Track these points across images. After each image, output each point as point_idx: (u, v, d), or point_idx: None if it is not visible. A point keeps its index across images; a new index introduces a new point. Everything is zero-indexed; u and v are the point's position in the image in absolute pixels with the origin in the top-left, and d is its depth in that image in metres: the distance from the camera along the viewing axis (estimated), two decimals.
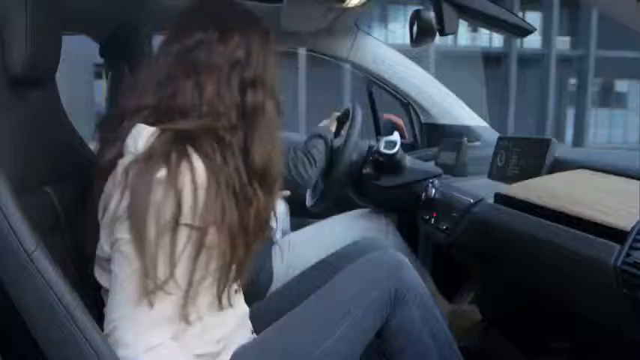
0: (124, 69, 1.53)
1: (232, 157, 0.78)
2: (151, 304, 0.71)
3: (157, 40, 1.85)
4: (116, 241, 0.72)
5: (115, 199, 0.74)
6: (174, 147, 0.72)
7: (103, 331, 0.72)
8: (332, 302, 0.90)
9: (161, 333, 0.73)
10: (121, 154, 0.76)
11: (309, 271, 1.08)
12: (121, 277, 0.71)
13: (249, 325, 0.95)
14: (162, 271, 0.71)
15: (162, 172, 0.70)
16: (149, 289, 0.70)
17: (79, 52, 2.03)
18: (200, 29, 0.82)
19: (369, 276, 0.92)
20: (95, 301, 0.82)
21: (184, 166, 0.71)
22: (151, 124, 0.76)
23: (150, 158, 0.71)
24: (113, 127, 0.80)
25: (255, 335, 0.93)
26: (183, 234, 0.71)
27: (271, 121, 0.83)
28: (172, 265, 0.71)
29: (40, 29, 0.80)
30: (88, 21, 1.62)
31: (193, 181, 0.71)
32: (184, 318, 0.76)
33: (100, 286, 0.83)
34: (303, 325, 0.89)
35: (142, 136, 0.75)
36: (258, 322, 0.94)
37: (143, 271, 0.70)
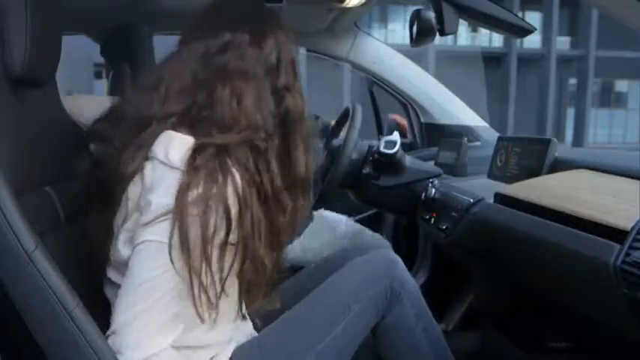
0: (125, 68, 1.53)
1: (267, 166, 0.75)
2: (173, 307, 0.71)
3: (158, 40, 1.86)
4: (144, 242, 0.70)
5: (147, 203, 0.71)
6: (217, 163, 0.70)
7: (107, 329, 0.72)
8: (331, 299, 0.91)
9: (170, 335, 0.72)
10: (146, 159, 0.73)
11: (308, 269, 1.08)
12: (143, 278, 0.70)
13: (249, 322, 0.95)
14: (204, 278, 0.70)
15: (211, 189, 0.68)
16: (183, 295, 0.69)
17: (79, 52, 2.03)
18: (227, 29, 0.76)
19: (367, 273, 0.95)
20: (95, 301, 0.82)
21: (229, 182, 0.69)
22: (182, 132, 0.73)
23: (196, 173, 0.68)
24: (130, 129, 0.76)
25: (254, 332, 0.94)
26: (229, 249, 0.71)
27: (308, 126, 0.81)
28: (212, 273, 0.70)
29: (41, 29, 0.80)
30: (88, 20, 1.63)
31: (237, 196, 0.70)
32: (200, 319, 0.74)
33: (101, 287, 0.83)
34: (303, 323, 0.90)
35: (174, 146, 0.71)
36: (258, 320, 0.95)
37: (183, 276, 0.69)
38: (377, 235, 1.44)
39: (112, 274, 0.80)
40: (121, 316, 0.71)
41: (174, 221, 0.68)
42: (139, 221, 0.72)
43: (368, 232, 1.69)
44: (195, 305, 0.71)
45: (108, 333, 0.71)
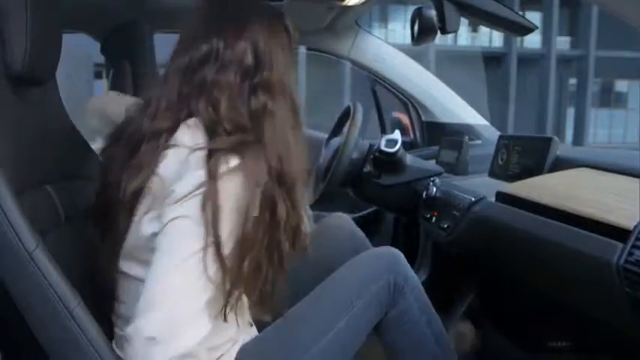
0: (126, 67, 1.53)
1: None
2: (208, 291, 0.69)
3: (158, 38, 1.85)
4: (177, 218, 0.69)
5: (176, 182, 0.72)
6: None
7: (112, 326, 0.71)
8: (334, 295, 0.92)
9: (201, 325, 0.70)
10: (146, 181, 0.74)
11: (310, 265, 1.08)
12: (179, 257, 0.68)
13: (251, 320, 0.95)
14: (230, 258, 0.70)
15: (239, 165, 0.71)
16: (210, 273, 0.69)
17: (79, 52, 2.03)
18: (205, 40, 0.79)
19: (369, 269, 0.95)
20: (95, 300, 0.81)
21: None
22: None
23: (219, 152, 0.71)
24: (125, 149, 0.78)
25: (255, 330, 0.94)
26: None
27: (282, 122, 0.80)
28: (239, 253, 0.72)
29: (41, 28, 0.80)
30: (88, 19, 1.62)
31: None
32: (222, 312, 0.74)
33: (104, 286, 0.82)
34: (306, 319, 0.90)
35: (191, 133, 0.74)
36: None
37: (214, 250, 0.68)
38: (335, 214, 1.40)
39: (126, 266, 0.79)
40: (147, 301, 0.68)
41: (207, 195, 0.68)
42: (165, 202, 0.71)
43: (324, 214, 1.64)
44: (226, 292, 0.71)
45: (132, 319, 0.68)
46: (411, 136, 2.05)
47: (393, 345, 0.97)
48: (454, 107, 1.96)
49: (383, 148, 1.55)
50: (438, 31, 1.10)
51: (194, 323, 0.69)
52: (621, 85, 16.79)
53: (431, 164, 1.65)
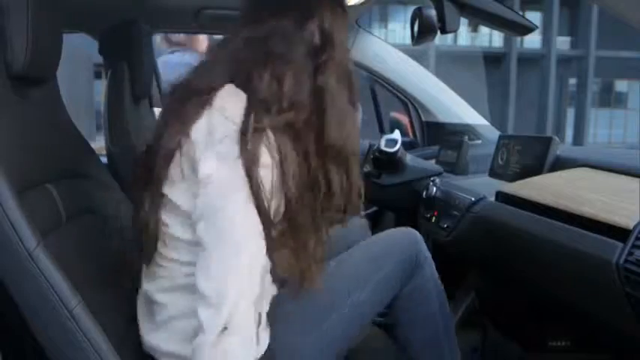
0: (124, 67, 1.52)
1: (304, 147, 0.77)
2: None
3: (157, 38, 1.85)
4: (214, 170, 0.71)
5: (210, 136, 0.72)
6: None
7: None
8: (356, 266, 0.97)
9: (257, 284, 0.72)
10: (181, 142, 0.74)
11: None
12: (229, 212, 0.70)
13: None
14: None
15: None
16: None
17: (79, 52, 2.03)
18: (275, 15, 0.79)
19: (397, 240, 1.04)
20: (95, 300, 0.81)
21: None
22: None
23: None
24: (179, 102, 0.78)
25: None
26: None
27: (342, 101, 0.81)
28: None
29: (42, 27, 0.80)
30: (88, 19, 1.62)
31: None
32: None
33: (108, 285, 0.82)
34: (339, 278, 0.94)
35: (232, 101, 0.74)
36: None
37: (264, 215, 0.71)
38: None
39: (164, 249, 0.79)
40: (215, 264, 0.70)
41: (240, 139, 0.70)
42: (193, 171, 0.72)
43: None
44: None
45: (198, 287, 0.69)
46: (410, 136, 2.05)
47: (404, 317, 1.03)
48: (454, 107, 1.96)
49: (383, 147, 1.55)
50: (438, 31, 1.10)
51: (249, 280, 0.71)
52: (621, 85, 16.79)
53: (431, 164, 1.65)
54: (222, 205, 0.70)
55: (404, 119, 2.08)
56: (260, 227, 0.71)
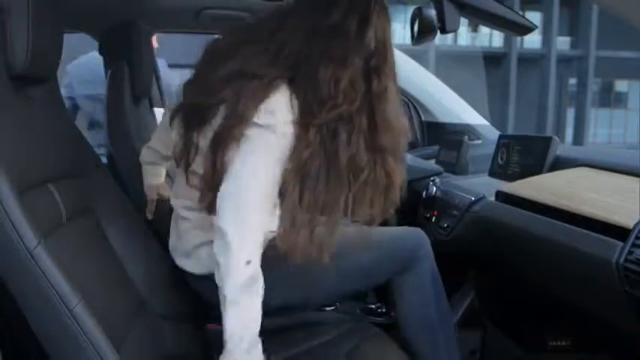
0: (124, 67, 1.52)
1: (354, 134, 0.84)
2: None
3: (157, 38, 1.85)
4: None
5: None
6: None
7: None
8: (368, 238, 1.00)
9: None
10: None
11: None
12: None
13: None
14: None
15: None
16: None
17: (79, 52, 2.03)
18: (338, 11, 0.83)
19: (403, 231, 1.16)
20: (95, 299, 0.81)
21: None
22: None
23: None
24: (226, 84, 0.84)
25: None
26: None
27: (395, 103, 0.88)
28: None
29: (42, 27, 0.80)
30: (88, 19, 1.62)
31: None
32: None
33: (108, 284, 0.83)
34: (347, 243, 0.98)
35: (278, 110, 0.82)
36: None
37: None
38: None
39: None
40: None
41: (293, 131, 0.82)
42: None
43: None
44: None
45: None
46: (409, 136, 2.05)
47: (400, 301, 1.11)
48: (454, 107, 1.96)
49: None
50: (438, 31, 1.10)
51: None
52: (621, 85, 16.78)
53: (431, 164, 1.65)
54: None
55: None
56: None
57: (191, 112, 0.90)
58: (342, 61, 0.82)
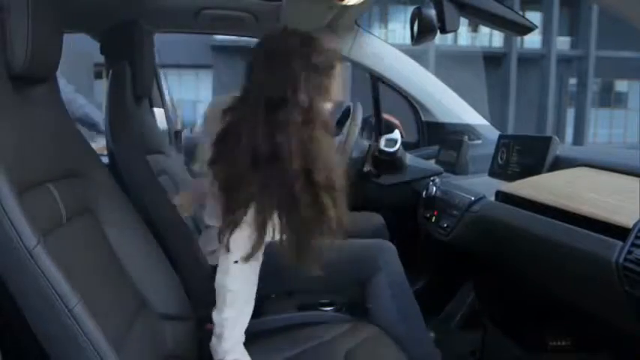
0: (125, 67, 1.52)
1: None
2: None
3: (158, 38, 1.85)
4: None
5: None
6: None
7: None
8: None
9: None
10: None
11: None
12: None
13: None
14: None
15: None
16: None
17: (79, 52, 2.03)
18: (277, 89, 1.01)
19: (364, 243, 1.35)
20: (95, 298, 0.81)
21: None
22: None
23: None
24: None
25: None
26: None
27: (327, 146, 1.03)
28: None
29: (42, 27, 0.80)
30: (88, 19, 1.62)
31: None
32: None
33: (107, 283, 0.83)
34: None
35: None
36: None
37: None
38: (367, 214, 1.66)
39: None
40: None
41: None
42: None
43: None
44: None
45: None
46: (403, 137, 2.05)
47: (369, 296, 1.32)
48: (454, 107, 1.96)
49: (383, 147, 1.55)
50: (438, 31, 1.10)
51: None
52: (621, 85, 16.77)
53: (431, 164, 1.66)
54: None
55: (395, 121, 2.09)
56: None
57: None
58: (282, 126, 1.00)
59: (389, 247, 1.35)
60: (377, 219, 1.62)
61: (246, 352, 1.02)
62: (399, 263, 1.34)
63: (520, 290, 1.24)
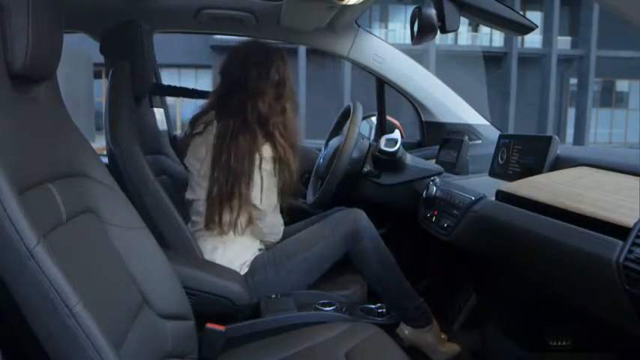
0: (125, 66, 1.53)
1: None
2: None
3: (157, 37, 1.85)
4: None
5: None
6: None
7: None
8: (316, 231, 1.52)
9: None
10: None
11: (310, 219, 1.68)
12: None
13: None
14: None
15: None
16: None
17: (78, 52, 2.03)
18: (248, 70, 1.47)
19: (340, 220, 1.52)
20: (95, 298, 0.81)
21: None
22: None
23: None
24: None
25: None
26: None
27: (292, 118, 1.50)
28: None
29: (42, 26, 0.80)
30: (88, 19, 1.63)
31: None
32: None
33: (108, 283, 0.83)
34: (296, 240, 1.51)
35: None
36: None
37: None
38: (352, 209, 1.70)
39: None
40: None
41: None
42: None
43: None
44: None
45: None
46: (403, 137, 2.05)
47: (359, 268, 1.52)
48: (454, 107, 1.96)
49: (383, 147, 1.55)
50: (438, 30, 1.10)
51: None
52: (622, 85, 16.79)
53: (431, 164, 1.65)
54: None
55: (395, 122, 2.09)
56: None
57: None
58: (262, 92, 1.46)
59: (361, 214, 1.51)
60: (357, 214, 1.58)
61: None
62: (372, 225, 1.50)
63: (520, 290, 1.24)
